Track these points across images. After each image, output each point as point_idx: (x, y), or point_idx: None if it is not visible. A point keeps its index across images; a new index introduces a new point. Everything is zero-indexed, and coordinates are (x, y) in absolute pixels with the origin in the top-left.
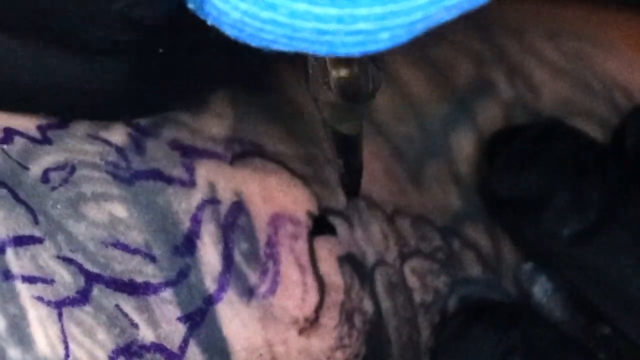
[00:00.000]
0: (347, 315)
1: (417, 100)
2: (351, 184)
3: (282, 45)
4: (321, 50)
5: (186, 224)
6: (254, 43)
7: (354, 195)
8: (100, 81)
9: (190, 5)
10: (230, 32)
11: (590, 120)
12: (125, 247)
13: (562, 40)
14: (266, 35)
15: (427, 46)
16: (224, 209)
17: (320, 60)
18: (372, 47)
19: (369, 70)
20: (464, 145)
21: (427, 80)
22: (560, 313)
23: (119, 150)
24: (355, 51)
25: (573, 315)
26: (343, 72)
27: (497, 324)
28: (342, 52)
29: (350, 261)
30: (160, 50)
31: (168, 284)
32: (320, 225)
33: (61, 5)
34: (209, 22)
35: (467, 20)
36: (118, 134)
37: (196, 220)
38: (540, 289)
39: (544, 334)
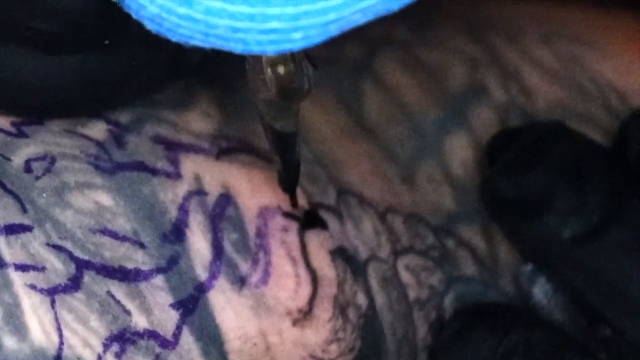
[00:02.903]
0: (341, 308)
1: (408, 104)
2: (288, 180)
3: (199, 41)
4: (236, 47)
5: (173, 213)
6: (173, 38)
7: (292, 191)
8: (60, 77)
9: None
10: (150, 26)
11: (585, 123)
12: (113, 234)
13: (556, 44)
14: (183, 30)
15: (419, 50)
16: (211, 200)
17: (256, 58)
18: (286, 46)
19: (305, 68)
20: (458, 149)
21: (419, 84)
22: (561, 314)
23: (99, 144)
24: (270, 50)
25: (573, 316)
26: (279, 70)
27: (496, 325)
28: (256, 50)
29: (342, 255)
30: (106, 42)
31: (159, 270)
32: (310, 220)
33: None
34: (133, 16)
35: (461, 24)
36: (97, 130)
37: (183, 210)
38: (541, 290)
39: (543, 336)
